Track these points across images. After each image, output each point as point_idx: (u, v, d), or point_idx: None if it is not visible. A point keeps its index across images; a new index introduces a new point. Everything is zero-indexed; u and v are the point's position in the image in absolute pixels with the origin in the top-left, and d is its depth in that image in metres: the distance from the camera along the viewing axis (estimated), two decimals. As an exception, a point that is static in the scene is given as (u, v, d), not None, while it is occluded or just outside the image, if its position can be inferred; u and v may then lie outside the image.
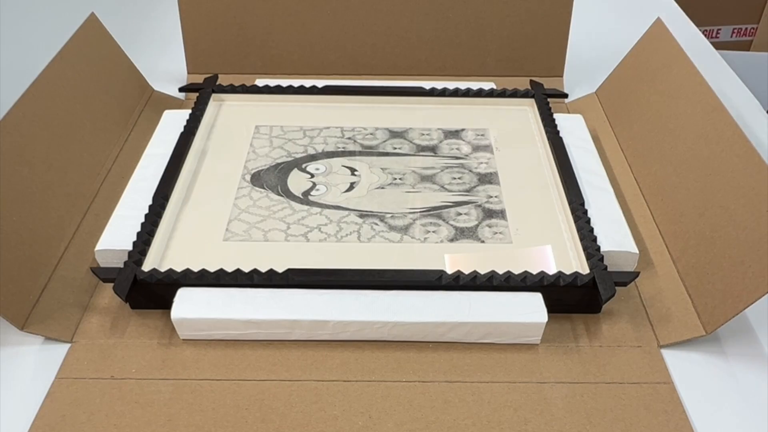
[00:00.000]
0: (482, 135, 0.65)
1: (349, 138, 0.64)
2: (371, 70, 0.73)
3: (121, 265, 0.49)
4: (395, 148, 0.63)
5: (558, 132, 0.63)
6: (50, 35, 0.86)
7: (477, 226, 0.54)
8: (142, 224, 0.52)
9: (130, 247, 0.50)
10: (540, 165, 0.60)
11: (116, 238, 0.52)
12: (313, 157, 0.61)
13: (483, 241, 0.52)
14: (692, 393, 0.45)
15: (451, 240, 0.53)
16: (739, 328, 0.50)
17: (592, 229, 0.53)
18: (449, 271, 0.49)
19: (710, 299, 0.47)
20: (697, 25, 0.90)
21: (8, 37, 0.85)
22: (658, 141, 0.61)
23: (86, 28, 0.66)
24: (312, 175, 0.59)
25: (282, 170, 0.60)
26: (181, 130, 0.62)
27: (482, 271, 0.49)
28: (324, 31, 0.72)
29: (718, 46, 0.87)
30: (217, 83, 0.69)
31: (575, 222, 0.53)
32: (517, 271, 0.49)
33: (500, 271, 0.49)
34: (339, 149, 0.62)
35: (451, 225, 0.54)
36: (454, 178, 0.59)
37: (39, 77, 0.58)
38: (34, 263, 0.50)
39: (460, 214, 0.55)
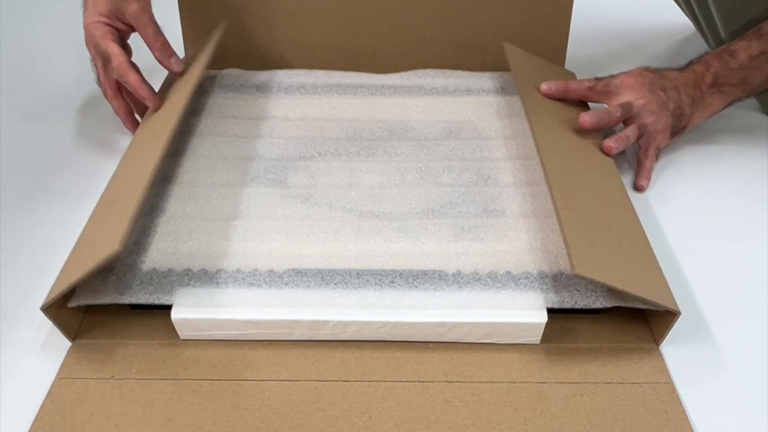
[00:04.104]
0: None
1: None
2: (371, 69, 0.73)
3: (121, 265, 0.49)
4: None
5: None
6: (50, 35, 0.86)
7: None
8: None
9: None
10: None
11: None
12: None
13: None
14: (692, 393, 0.45)
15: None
16: (739, 328, 0.50)
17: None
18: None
19: None
20: (697, 25, 0.90)
21: (8, 37, 0.85)
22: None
23: None
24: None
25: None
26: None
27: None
28: (324, 31, 0.72)
29: (718, 46, 0.87)
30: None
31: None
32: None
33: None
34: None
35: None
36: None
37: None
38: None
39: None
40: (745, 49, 0.61)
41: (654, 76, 0.63)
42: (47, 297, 0.45)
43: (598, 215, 0.51)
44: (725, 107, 0.64)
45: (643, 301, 0.46)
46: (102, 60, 0.61)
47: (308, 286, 0.48)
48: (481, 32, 0.72)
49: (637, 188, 0.62)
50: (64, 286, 0.45)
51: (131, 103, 0.64)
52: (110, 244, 0.43)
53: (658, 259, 0.50)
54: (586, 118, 0.60)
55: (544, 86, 0.64)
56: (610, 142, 0.60)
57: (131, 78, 0.60)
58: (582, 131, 0.60)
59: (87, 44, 0.61)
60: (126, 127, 0.64)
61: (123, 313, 0.50)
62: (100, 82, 0.63)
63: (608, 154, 0.60)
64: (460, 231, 0.53)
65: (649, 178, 0.62)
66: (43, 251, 0.54)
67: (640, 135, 0.62)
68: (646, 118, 0.62)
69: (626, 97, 0.63)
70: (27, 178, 0.62)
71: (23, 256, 0.54)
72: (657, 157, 0.63)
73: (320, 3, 0.71)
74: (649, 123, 0.62)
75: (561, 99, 0.65)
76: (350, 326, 0.47)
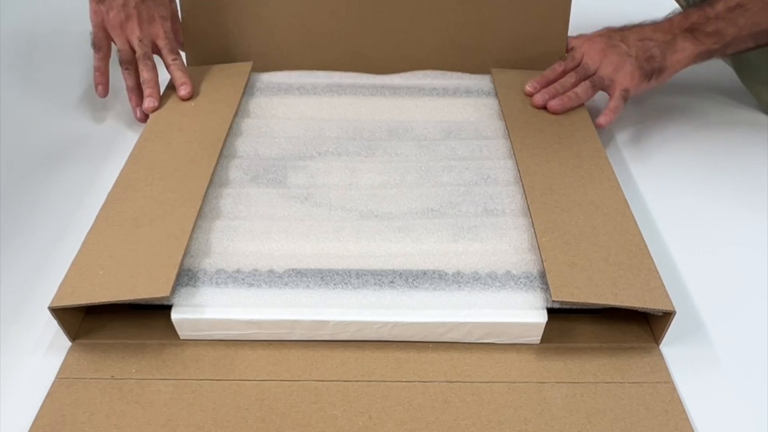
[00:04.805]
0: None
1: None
2: (371, 70, 0.73)
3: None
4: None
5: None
6: (50, 34, 0.86)
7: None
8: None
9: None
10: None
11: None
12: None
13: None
14: (692, 393, 0.45)
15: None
16: (738, 329, 0.50)
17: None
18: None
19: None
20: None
21: (8, 35, 0.85)
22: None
23: None
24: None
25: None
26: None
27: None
28: (324, 30, 0.72)
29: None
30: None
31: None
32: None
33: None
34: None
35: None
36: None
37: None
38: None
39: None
40: (724, 1, 0.64)
41: (613, 31, 0.68)
42: (57, 296, 0.46)
43: (587, 227, 0.52)
44: (699, 59, 0.66)
45: (632, 306, 0.46)
46: (149, 39, 0.67)
47: (308, 286, 0.48)
48: (481, 32, 0.72)
49: (597, 125, 0.64)
50: (92, 300, 0.45)
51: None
52: (160, 286, 0.45)
53: (656, 258, 0.49)
54: (552, 104, 0.65)
55: (537, 99, 0.66)
56: (554, 102, 0.64)
57: (180, 60, 0.68)
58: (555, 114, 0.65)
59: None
60: (130, 93, 0.67)
61: (123, 313, 0.50)
62: (115, 48, 0.67)
63: (555, 113, 0.64)
64: (460, 231, 0.53)
65: (611, 117, 0.64)
66: (43, 251, 0.54)
67: (601, 86, 0.66)
68: (603, 71, 0.65)
69: (590, 64, 0.67)
70: (28, 177, 0.62)
71: (23, 255, 0.54)
72: (626, 99, 0.65)
73: (320, 3, 0.71)
74: (608, 72, 0.65)
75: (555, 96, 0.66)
76: (350, 326, 0.47)
